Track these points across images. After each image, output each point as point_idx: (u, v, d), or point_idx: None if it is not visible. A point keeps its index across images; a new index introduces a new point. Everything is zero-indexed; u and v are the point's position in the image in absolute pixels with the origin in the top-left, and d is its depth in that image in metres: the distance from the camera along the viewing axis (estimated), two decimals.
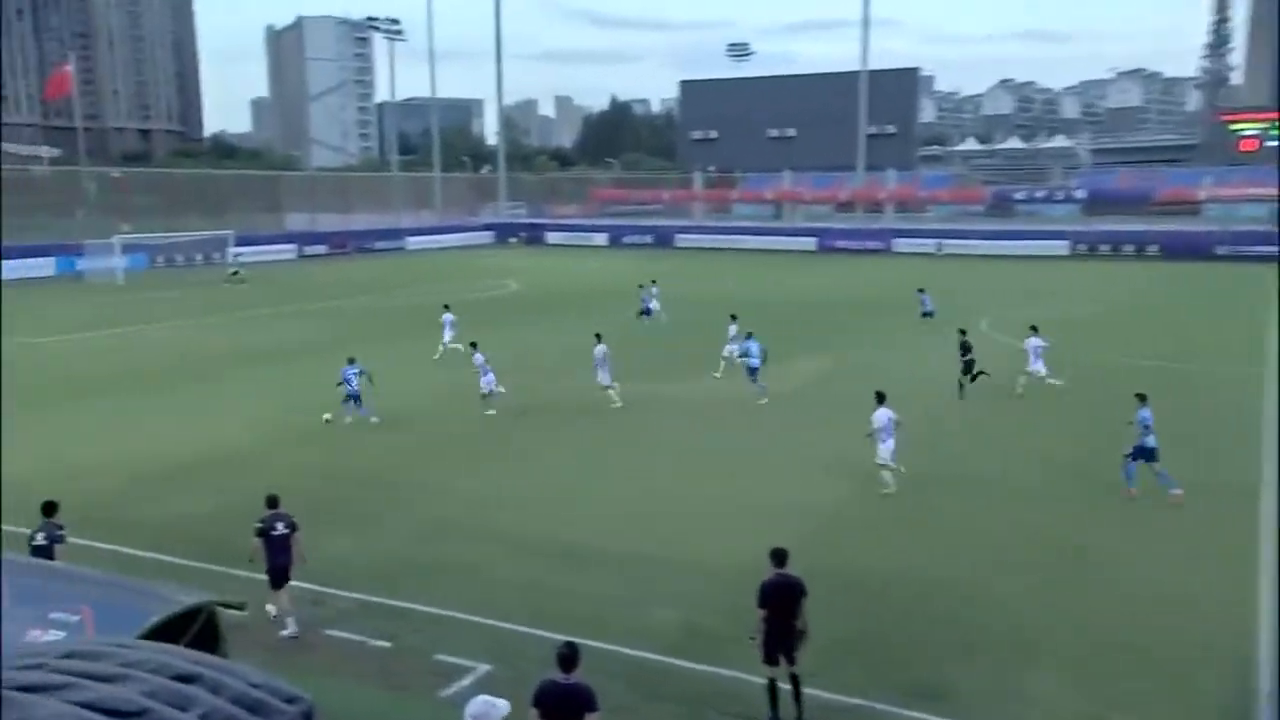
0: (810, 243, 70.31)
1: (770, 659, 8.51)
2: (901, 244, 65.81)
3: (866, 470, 15.29)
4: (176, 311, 37.21)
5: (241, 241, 58.21)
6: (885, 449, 14.75)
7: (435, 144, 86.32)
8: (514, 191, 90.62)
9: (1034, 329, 21.51)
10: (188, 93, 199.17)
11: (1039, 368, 20.79)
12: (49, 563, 8.94)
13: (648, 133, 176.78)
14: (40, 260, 49.94)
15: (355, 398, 19.36)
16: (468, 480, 15.83)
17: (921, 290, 31.97)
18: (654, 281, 34.28)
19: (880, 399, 15.16)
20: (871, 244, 67.83)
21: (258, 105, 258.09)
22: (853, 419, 17.24)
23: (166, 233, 56.11)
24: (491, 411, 19.82)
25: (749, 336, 22.05)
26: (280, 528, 10.94)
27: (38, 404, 21.28)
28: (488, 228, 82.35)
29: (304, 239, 66.28)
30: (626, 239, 76.97)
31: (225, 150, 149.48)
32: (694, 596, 11.26)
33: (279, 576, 10.81)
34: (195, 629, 7.84)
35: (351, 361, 19.69)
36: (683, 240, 74.96)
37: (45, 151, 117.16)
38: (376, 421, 19.04)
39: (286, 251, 63.32)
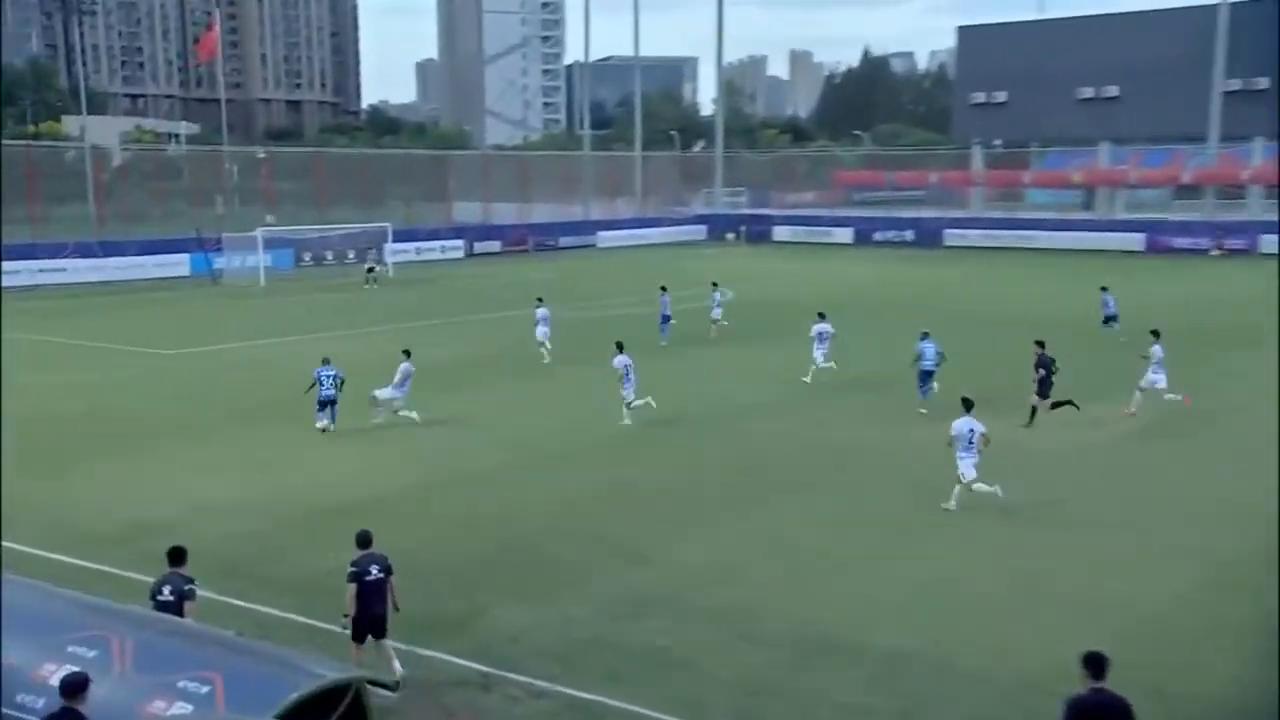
0: (1135, 240, 67.34)
1: None
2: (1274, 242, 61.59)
3: (1221, 555, 14.42)
4: (328, 319, 40.18)
5: (401, 236, 62.57)
6: (964, 464, 16.97)
7: (637, 115, 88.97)
8: (733, 174, 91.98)
9: (1155, 334, 24.28)
10: (344, 55, 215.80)
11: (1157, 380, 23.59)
12: (176, 620, 9.78)
13: (911, 96, 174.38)
14: (173, 257, 55.21)
15: (331, 403, 22.34)
16: (675, 541, 16.06)
17: (1106, 289, 34.98)
18: (715, 285, 36.61)
19: (967, 406, 17.19)
20: (1234, 242, 63.85)
21: (424, 70, 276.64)
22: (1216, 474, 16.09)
23: (315, 225, 61.13)
24: (627, 422, 22.85)
25: (924, 337, 24.83)
26: (375, 571, 11.49)
27: (165, 430, 23.51)
28: (699, 220, 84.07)
29: (474, 233, 70.28)
30: (878, 235, 76.47)
31: (385, 125, 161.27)
32: (978, 712, 10.98)
33: (374, 628, 11.43)
34: (341, 709, 8.37)
35: (326, 362, 22.76)
36: (953, 236, 73.52)
37: (184, 128, 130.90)
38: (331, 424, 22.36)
39: (453, 248, 67.41)
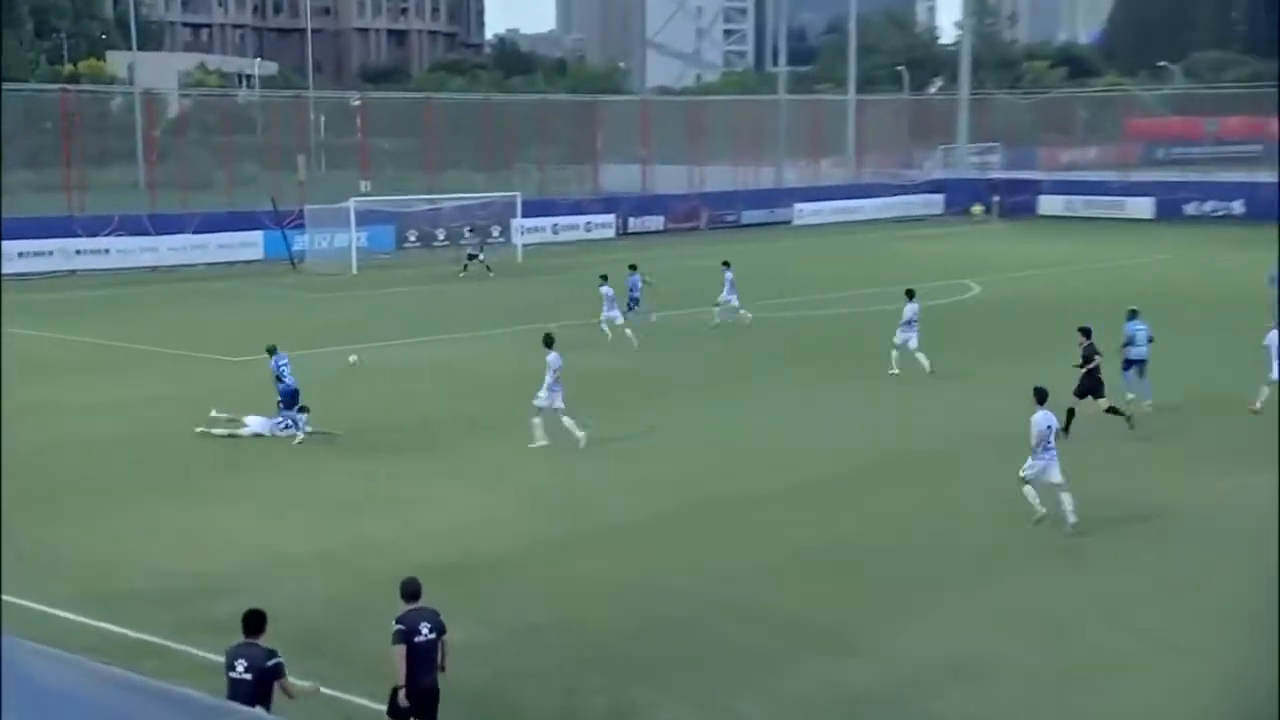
0: None
1: None
2: None
3: None
4: (437, 317, 41.35)
5: (534, 210, 63.79)
6: (1034, 465, 19.21)
7: (851, 45, 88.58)
8: (983, 124, 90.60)
9: None
10: None
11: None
12: (250, 712, 9.94)
13: (1242, 13, 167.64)
14: (242, 236, 57.56)
15: (293, 395, 25.70)
16: (897, 622, 15.90)
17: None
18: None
19: (1041, 397, 19.48)
20: None
21: None
22: None
23: (423, 194, 62.74)
24: (543, 443, 24.54)
25: (1132, 316, 27.24)
26: (425, 631, 11.75)
27: (227, 460, 24.46)
28: (933, 187, 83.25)
29: (629, 205, 71.34)
30: (1188, 208, 74.37)
31: (514, 62, 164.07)
32: None
33: (423, 705, 11.57)
34: None
35: (273, 352, 26.40)
36: None
37: (258, 67, 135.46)
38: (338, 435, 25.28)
39: (601, 225, 68.57)
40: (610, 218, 69.12)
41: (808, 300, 44.38)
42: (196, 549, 18.87)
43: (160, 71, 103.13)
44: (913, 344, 31.00)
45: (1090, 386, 24.93)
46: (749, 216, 73.95)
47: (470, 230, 56.31)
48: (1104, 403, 24.99)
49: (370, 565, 18.11)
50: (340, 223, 55.86)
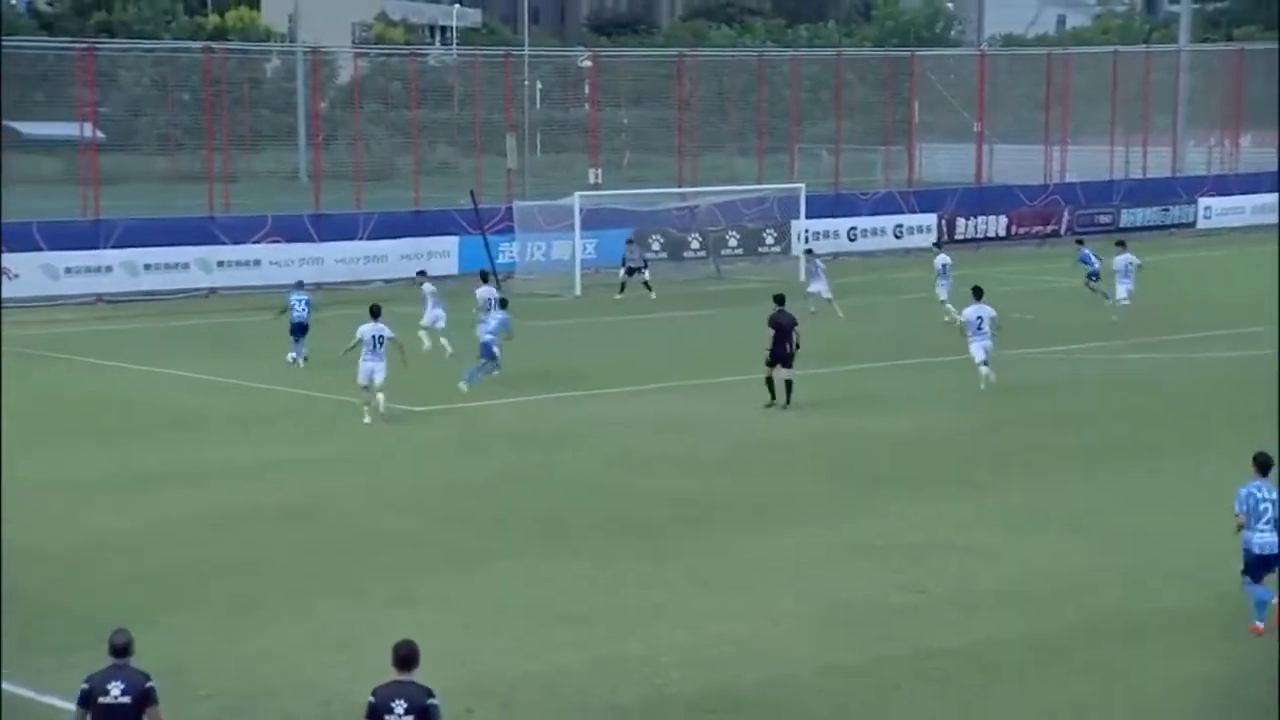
0: None
1: None
2: None
3: None
4: (698, 356, 41.90)
5: (822, 207, 64.22)
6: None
7: None
8: None
9: None
10: None
11: None
12: None
13: None
14: (430, 242, 58.80)
15: (302, 329, 39.50)
16: None
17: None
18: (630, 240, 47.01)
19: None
20: None
21: None
22: None
23: (670, 188, 63.12)
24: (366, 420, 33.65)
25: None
26: (400, 713, 12.78)
27: (424, 545, 25.19)
28: None
29: (956, 202, 70.95)
30: None
31: (799, 6, 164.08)
32: None
33: None
34: None
35: (300, 285, 39.01)
36: None
37: (455, 16, 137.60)
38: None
39: (918, 229, 67.99)
40: (930, 219, 68.75)
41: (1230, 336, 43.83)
42: (368, 662, 19.28)
43: (330, 23, 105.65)
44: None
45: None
46: (1131, 217, 73.08)
47: (629, 241, 55.84)
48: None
49: (604, 693, 18.44)
50: (560, 225, 56.92)
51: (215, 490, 28.31)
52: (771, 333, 34.37)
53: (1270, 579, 19.93)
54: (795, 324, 34.84)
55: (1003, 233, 69.47)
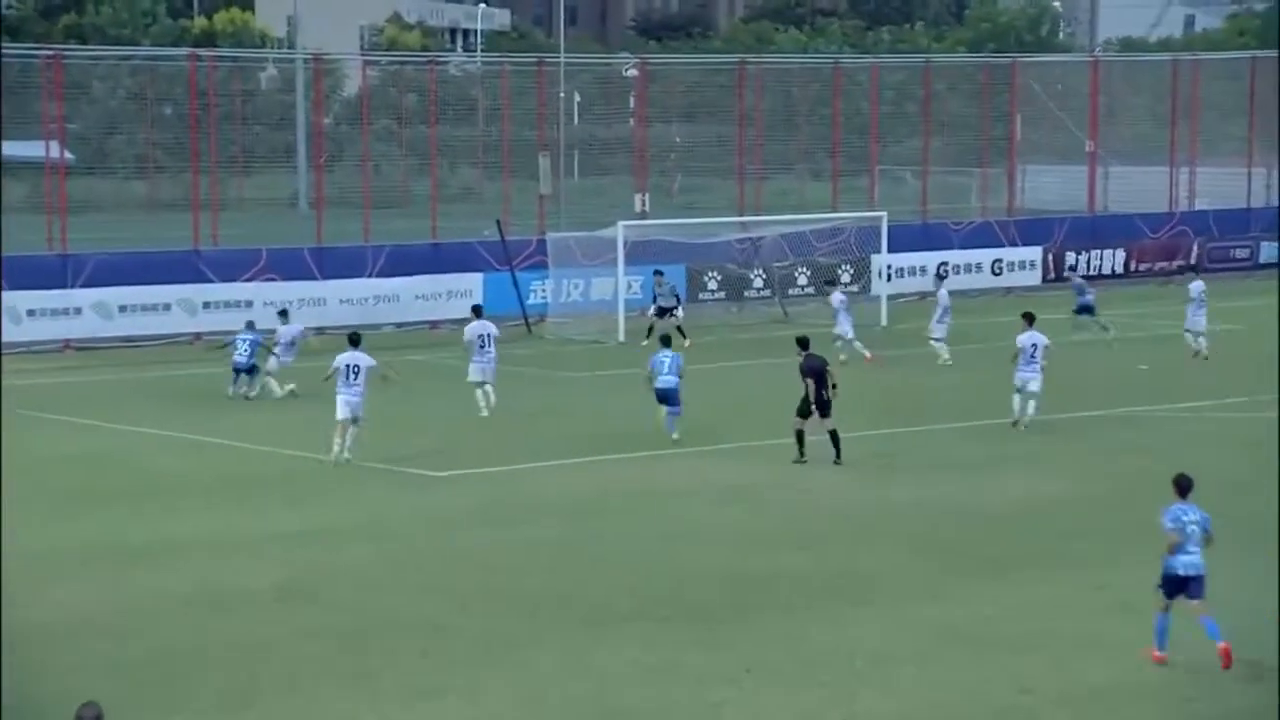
0: None
1: None
2: None
3: None
4: (741, 417, 42.20)
5: (906, 239, 64.29)
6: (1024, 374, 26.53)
7: None
8: None
9: None
10: None
11: None
12: None
13: None
14: (450, 280, 59.10)
15: (247, 371, 44.54)
16: None
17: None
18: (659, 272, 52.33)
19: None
20: None
21: None
22: None
23: (728, 216, 63.51)
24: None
25: None
26: None
27: (445, 629, 25.46)
28: None
29: (1065, 233, 71.11)
30: None
31: (880, 6, 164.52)
32: None
33: None
34: None
35: (250, 326, 44.65)
36: None
37: (480, 18, 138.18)
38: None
39: (1020, 264, 68.83)
40: (1034, 252, 69.24)
41: None
42: None
43: (335, 26, 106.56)
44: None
45: None
46: (1271, 251, 73.30)
47: (657, 273, 55.54)
48: None
49: None
50: (601, 260, 57.19)
51: (204, 566, 28.56)
52: (811, 382, 35.47)
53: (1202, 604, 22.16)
54: (827, 365, 36.47)
55: (1120, 269, 69.49)
